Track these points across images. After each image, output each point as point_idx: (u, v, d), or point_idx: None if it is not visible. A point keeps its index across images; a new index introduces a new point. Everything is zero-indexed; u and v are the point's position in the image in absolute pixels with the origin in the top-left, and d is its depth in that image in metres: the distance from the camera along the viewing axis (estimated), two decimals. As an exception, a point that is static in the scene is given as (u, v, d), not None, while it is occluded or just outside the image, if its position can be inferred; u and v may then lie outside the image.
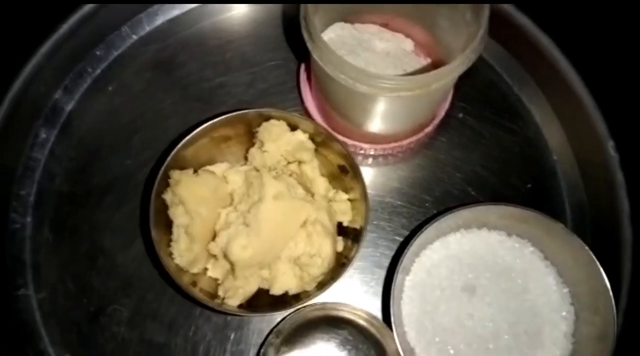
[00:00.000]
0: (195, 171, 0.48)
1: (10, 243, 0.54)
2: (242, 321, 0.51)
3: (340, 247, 0.49)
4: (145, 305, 0.52)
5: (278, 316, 0.51)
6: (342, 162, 0.50)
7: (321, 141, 0.50)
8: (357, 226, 0.49)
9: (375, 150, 0.54)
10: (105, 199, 0.55)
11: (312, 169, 0.50)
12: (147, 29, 0.60)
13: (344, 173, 0.50)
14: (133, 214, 0.54)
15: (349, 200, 0.51)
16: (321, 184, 0.50)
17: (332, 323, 0.49)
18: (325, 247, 0.47)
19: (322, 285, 0.47)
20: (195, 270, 0.47)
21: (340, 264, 0.48)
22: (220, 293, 0.47)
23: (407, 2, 0.51)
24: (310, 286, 0.47)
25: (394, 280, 0.47)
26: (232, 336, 0.51)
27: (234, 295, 0.46)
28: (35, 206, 0.55)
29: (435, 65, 0.53)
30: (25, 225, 0.54)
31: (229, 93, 0.58)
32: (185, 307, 0.52)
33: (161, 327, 0.51)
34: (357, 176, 0.48)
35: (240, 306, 0.46)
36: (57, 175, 0.56)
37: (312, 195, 0.50)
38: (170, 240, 0.47)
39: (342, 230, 0.51)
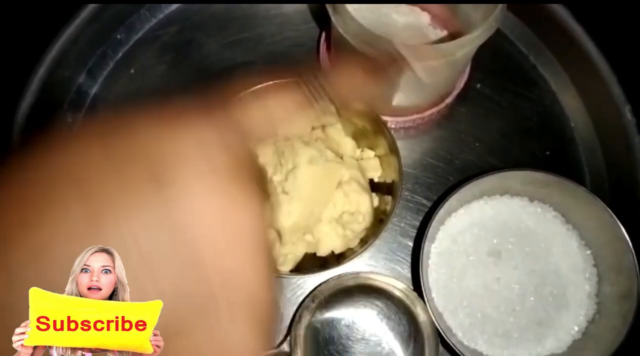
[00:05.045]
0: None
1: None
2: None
3: (376, 202, 0.50)
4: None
5: (311, 286, 0.53)
6: (364, 119, 0.50)
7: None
8: (389, 180, 0.50)
9: (397, 122, 0.55)
10: (133, 181, 0.56)
11: (337, 131, 0.51)
12: (166, 11, 0.60)
13: (368, 130, 0.51)
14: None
15: (377, 156, 0.52)
16: (348, 144, 0.51)
17: (366, 291, 0.51)
18: (364, 202, 0.48)
19: (364, 242, 0.48)
20: None
21: (378, 220, 0.49)
22: None
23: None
24: (354, 244, 0.49)
25: (421, 249, 0.48)
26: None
27: (285, 261, 0.47)
28: (64, 191, 0.56)
29: (452, 36, 0.54)
30: (55, 209, 0.55)
31: (250, 72, 0.58)
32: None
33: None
34: (382, 130, 0.48)
35: (290, 271, 0.48)
36: (85, 158, 0.57)
37: (341, 156, 0.51)
38: None
39: (374, 186, 0.52)
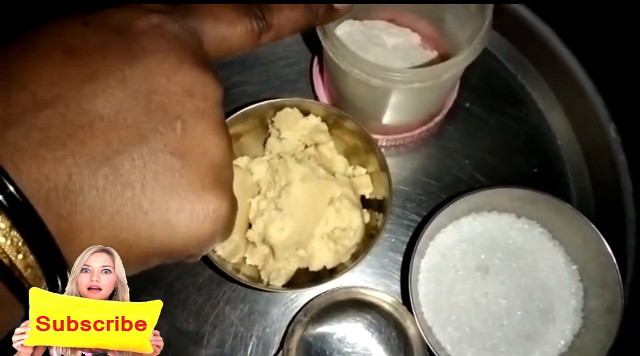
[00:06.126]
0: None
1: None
2: (266, 309, 0.54)
3: (367, 219, 0.51)
4: (174, 296, 0.54)
5: (303, 301, 0.54)
6: (356, 138, 0.52)
7: (333, 122, 0.52)
8: (380, 197, 0.51)
9: (388, 140, 0.57)
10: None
11: (330, 149, 0.53)
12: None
13: (359, 148, 0.52)
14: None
15: (368, 173, 0.53)
16: (340, 162, 0.53)
17: (358, 306, 0.52)
18: (355, 219, 0.49)
19: (355, 257, 0.49)
20: (235, 260, 0.50)
21: (369, 236, 0.50)
22: (263, 276, 0.49)
23: (414, 2, 0.54)
24: (345, 259, 0.50)
25: (410, 264, 0.49)
26: (258, 322, 0.54)
27: (277, 276, 0.48)
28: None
29: (442, 57, 0.56)
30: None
31: (245, 91, 0.60)
32: (211, 297, 0.54)
33: (189, 316, 0.54)
34: (373, 148, 0.50)
35: (283, 286, 0.49)
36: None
37: (333, 174, 0.52)
38: None
39: (365, 202, 0.53)
